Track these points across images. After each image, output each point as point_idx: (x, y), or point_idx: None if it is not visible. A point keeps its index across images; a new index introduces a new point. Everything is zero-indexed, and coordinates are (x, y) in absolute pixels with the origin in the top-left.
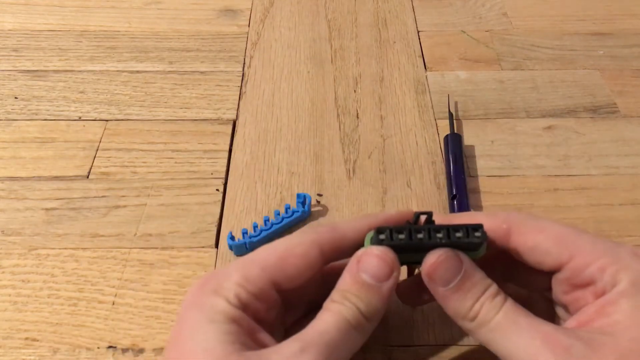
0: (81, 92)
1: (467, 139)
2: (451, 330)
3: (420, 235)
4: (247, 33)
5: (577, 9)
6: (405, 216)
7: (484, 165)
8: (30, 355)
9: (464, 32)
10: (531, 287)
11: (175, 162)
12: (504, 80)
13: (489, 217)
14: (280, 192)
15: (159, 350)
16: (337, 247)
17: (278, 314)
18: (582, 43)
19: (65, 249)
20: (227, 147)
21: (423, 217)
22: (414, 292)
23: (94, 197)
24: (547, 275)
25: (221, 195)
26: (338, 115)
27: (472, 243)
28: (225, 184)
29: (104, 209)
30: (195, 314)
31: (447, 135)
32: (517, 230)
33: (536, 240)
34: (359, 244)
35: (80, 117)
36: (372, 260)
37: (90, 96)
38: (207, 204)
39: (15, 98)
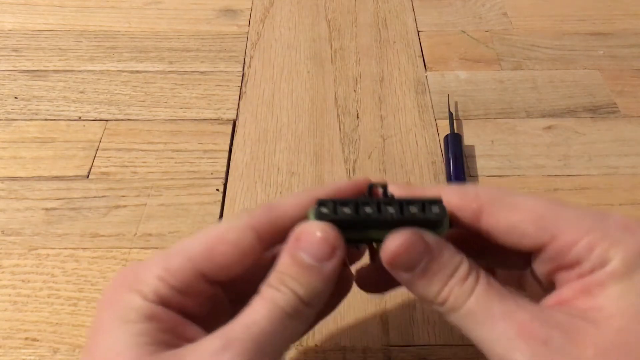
0: (81, 92)
1: (467, 139)
2: (451, 330)
3: (368, 210)
4: (247, 33)
5: (577, 8)
6: (359, 187)
7: (484, 165)
8: (30, 355)
9: (464, 32)
10: (510, 268)
11: (175, 162)
12: (504, 80)
13: (457, 194)
14: (280, 192)
15: None
16: (276, 227)
17: (217, 307)
18: (582, 43)
19: (65, 249)
20: (227, 147)
21: (380, 191)
22: (377, 279)
23: (94, 197)
24: (527, 255)
25: (221, 195)
26: (338, 115)
27: (429, 220)
28: (225, 184)
29: (104, 209)
30: (108, 314)
31: (447, 135)
32: (489, 210)
33: (511, 221)
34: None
35: (80, 117)
36: (311, 238)
37: (90, 96)
38: (207, 204)
39: (15, 98)
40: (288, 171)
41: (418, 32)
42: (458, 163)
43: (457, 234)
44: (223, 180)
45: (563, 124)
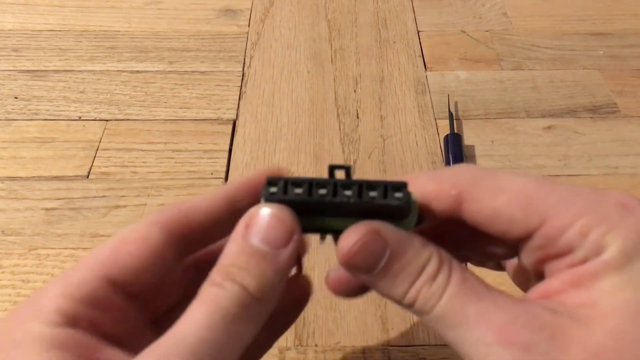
0: (81, 92)
1: (467, 139)
2: None
3: (322, 191)
4: (247, 33)
5: (577, 8)
6: (274, 172)
7: (484, 165)
8: None
9: (464, 32)
10: (494, 258)
11: (175, 162)
12: (504, 80)
13: (433, 180)
14: None
15: None
16: (188, 223)
17: (140, 327)
18: (582, 43)
19: (65, 249)
20: (227, 147)
21: (340, 173)
22: (350, 280)
23: (94, 197)
24: (514, 243)
25: None
26: (338, 115)
27: (390, 206)
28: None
29: (104, 209)
30: (5, 354)
31: (447, 135)
32: (470, 196)
33: (495, 206)
34: (231, 216)
35: (80, 117)
36: (264, 221)
37: (90, 96)
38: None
39: (15, 98)
40: (288, 171)
41: (418, 32)
42: (458, 163)
43: (432, 224)
44: (223, 180)
45: (563, 124)
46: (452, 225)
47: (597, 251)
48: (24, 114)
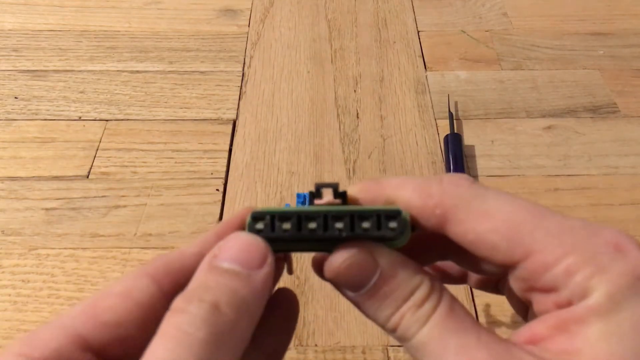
0: (81, 92)
1: (467, 139)
2: None
3: (312, 225)
4: (247, 33)
5: (577, 8)
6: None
7: (484, 165)
8: None
9: (464, 32)
10: (485, 274)
11: (175, 162)
12: (504, 80)
13: (419, 195)
14: (280, 192)
15: None
16: (181, 271)
17: None
18: (582, 43)
19: (65, 248)
20: (227, 147)
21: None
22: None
23: (94, 197)
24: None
25: (221, 195)
26: (338, 115)
27: (384, 237)
28: (225, 184)
29: (104, 209)
30: None
31: (447, 135)
32: (454, 217)
33: (479, 231)
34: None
35: (80, 117)
36: (235, 244)
37: (90, 96)
38: (207, 204)
39: (15, 98)
40: (288, 171)
41: (418, 32)
42: (458, 163)
43: (420, 241)
44: (223, 180)
45: (563, 124)
46: (441, 236)
47: (583, 294)
48: (24, 114)
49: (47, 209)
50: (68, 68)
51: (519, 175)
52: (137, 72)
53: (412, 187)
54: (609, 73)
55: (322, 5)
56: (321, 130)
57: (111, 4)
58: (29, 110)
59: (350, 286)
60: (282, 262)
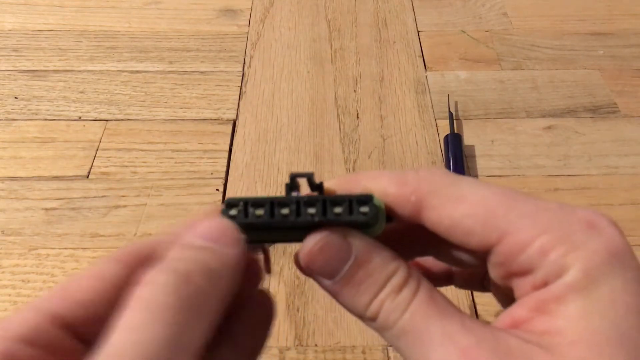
0: (81, 92)
1: (467, 139)
2: None
3: (285, 211)
4: (247, 33)
5: (577, 8)
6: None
7: (484, 165)
8: None
9: (464, 32)
10: (466, 266)
11: (175, 162)
12: (504, 80)
13: (395, 184)
14: (280, 192)
15: None
16: (150, 256)
17: None
18: (582, 43)
19: (65, 248)
20: (227, 147)
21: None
22: None
23: (94, 197)
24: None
25: (221, 195)
26: (338, 115)
27: (357, 222)
28: (225, 184)
29: (104, 209)
30: None
31: (447, 135)
32: (429, 204)
33: (454, 217)
34: None
35: (80, 117)
36: (208, 225)
37: (90, 96)
38: (207, 204)
39: (15, 98)
40: (288, 171)
41: (418, 32)
42: (458, 163)
43: (397, 232)
44: (223, 180)
45: (563, 124)
46: (419, 227)
47: (559, 272)
48: (24, 114)
49: (47, 209)
50: (68, 68)
51: (519, 175)
52: (137, 72)
53: (389, 177)
54: (609, 73)
55: (322, 5)
56: (321, 130)
57: (111, 4)
58: (29, 110)
59: (325, 273)
60: (256, 264)
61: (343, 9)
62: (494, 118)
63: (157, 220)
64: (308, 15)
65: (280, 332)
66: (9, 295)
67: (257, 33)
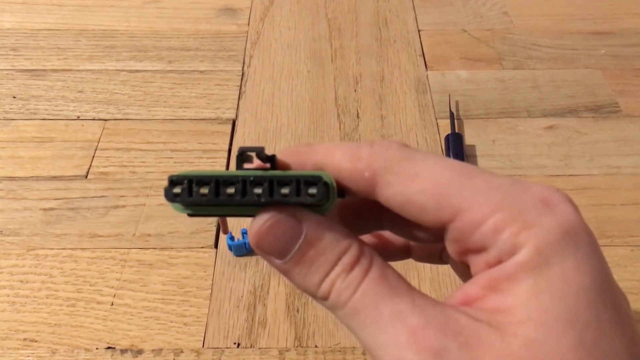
0: (80, 92)
1: (468, 139)
2: None
3: (230, 190)
4: (247, 32)
5: (579, 8)
6: None
7: (485, 165)
8: (28, 356)
9: (465, 31)
10: (419, 241)
11: (175, 162)
12: (505, 80)
13: (347, 158)
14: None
15: (157, 351)
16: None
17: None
18: (584, 42)
19: (64, 249)
20: (227, 147)
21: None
22: None
23: (93, 197)
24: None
25: None
26: (338, 114)
27: (303, 204)
28: None
29: (102, 209)
30: None
31: (448, 134)
32: (383, 180)
33: (406, 193)
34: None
35: (78, 117)
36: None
37: (89, 95)
38: None
39: (14, 97)
40: None
41: (419, 31)
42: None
43: (354, 199)
44: None
45: (564, 124)
46: (375, 202)
47: (511, 251)
48: (22, 113)
49: (45, 209)
50: (67, 67)
51: (520, 175)
52: (136, 71)
53: (342, 151)
54: (611, 72)
55: (322, 5)
56: (321, 130)
57: (110, 3)
58: (27, 109)
59: (275, 252)
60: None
61: (343, 8)
62: (495, 118)
63: (156, 220)
64: (308, 15)
65: (280, 333)
66: (7, 295)
67: (257, 32)
